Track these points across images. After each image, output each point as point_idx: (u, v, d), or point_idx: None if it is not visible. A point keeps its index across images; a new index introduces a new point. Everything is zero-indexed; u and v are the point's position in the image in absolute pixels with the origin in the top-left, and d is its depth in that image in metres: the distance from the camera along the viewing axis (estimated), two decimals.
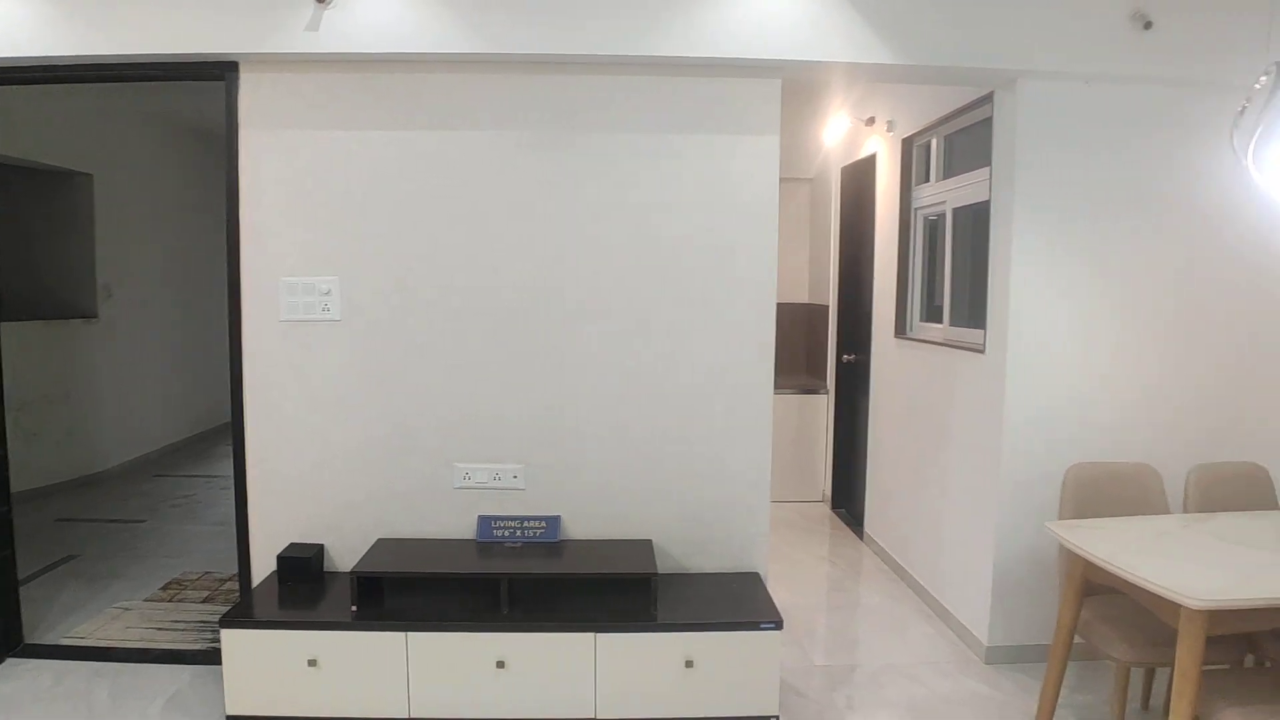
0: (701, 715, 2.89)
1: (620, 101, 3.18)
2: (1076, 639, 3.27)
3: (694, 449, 3.30)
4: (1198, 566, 2.30)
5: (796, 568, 4.67)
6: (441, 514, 3.31)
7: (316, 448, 3.28)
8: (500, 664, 2.85)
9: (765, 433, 3.30)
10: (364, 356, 3.25)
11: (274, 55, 3.05)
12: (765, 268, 3.24)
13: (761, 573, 3.33)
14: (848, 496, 5.64)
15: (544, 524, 3.30)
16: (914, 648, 3.66)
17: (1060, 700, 3.20)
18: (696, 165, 3.21)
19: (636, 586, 3.02)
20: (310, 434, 3.27)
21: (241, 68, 3.13)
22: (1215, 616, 2.14)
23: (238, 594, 3.43)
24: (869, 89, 5.12)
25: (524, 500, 3.32)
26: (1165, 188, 3.39)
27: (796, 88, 6.08)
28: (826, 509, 5.85)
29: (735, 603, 3.06)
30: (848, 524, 5.48)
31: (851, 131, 5.52)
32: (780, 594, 4.23)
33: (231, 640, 2.86)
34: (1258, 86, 2.35)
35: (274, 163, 3.18)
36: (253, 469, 3.28)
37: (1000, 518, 3.44)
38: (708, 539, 3.34)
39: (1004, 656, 3.51)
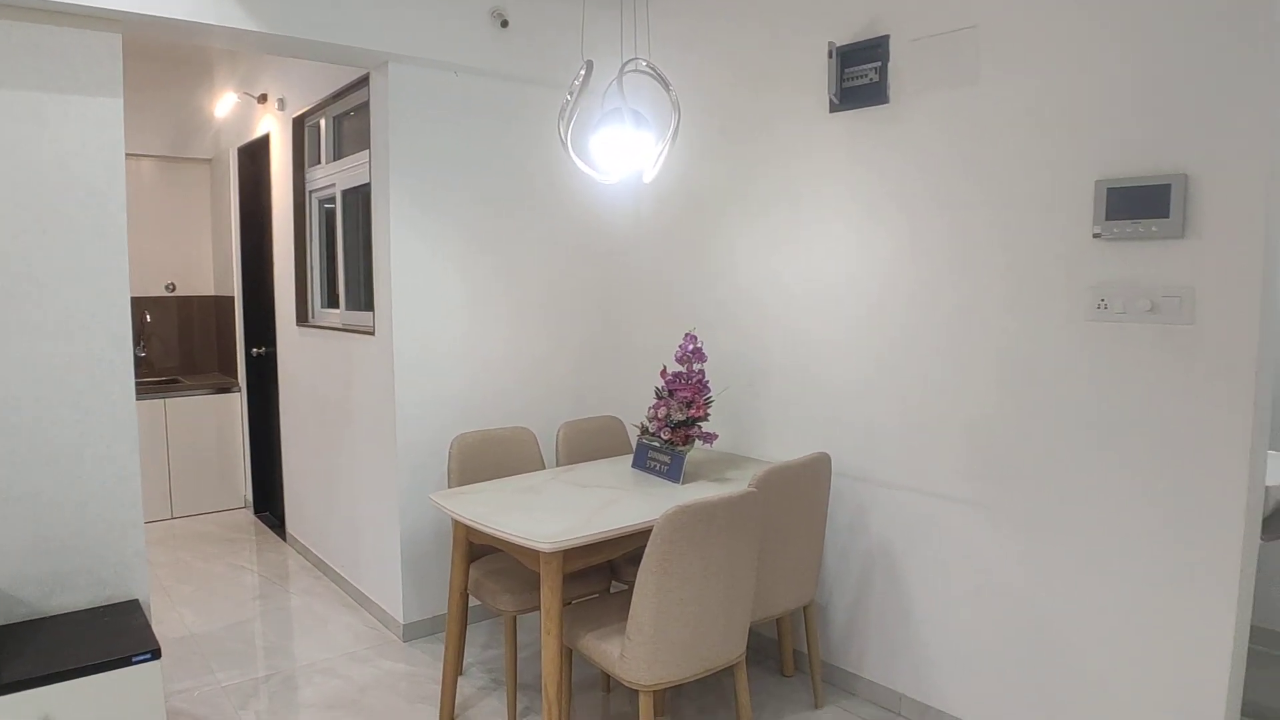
0: None
1: None
2: (474, 600, 3.47)
3: (41, 468, 2.73)
4: (553, 514, 2.56)
5: (212, 583, 4.24)
6: None
7: None
8: None
9: (130, 440, 2.87)
10: None
11: None
12: (114, 252, 2.80)
13: (142, 599, 2.91)
14: (269, 498, 5.31)
15: None
16: (334, 641, 3.56)
17: (473, 659, 3.39)
18: (16, 129, 2.64)
19: None
20: None
21: None
22: (567, 555, 2.40)
23: None
24: (257, 63, 4.80)
25: None
26: (527, 174, 3.73)
27: (182, 58, 5.49)
28: (249, 515, 5.44)
29: (106, 639, 2.62)
30: (272, 527, 5.16)
31: (244, 109, 5.13)
32: (188, 616, 3.80)
33: None
34: (577, 83, 2.66)
35: None
36: None
37: (401, 495, 3.50)
38: (72, 571, 2.81)
39: (421, 631, 3.59)
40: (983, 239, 2.62)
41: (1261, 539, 2.44)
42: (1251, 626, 3.45)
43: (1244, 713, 2.92)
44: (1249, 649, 3.35)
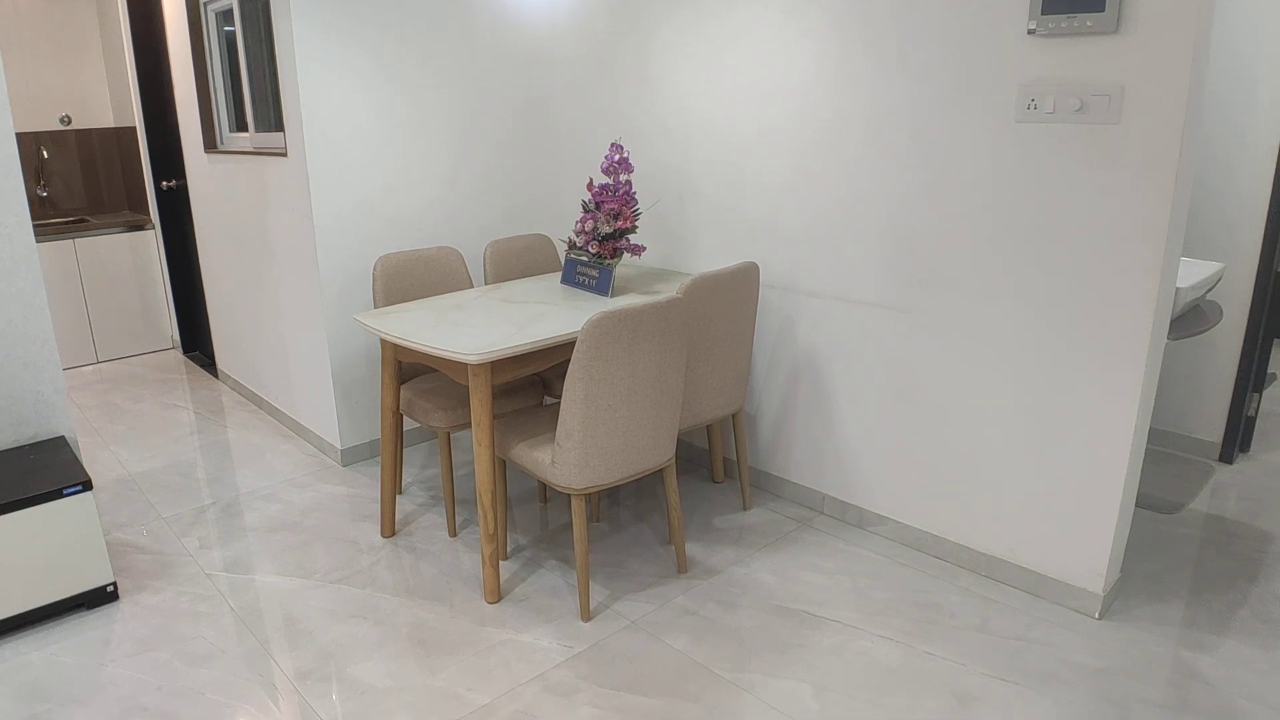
0: (25, 610, 2.48)
1: None
2: (411, 424, 3.49)
3: None
4: (481, 328, 2.54)
5: (145, 422, 4.19)
6: None
7: None
8: None
9: (33, 273, 2.73)
10: None
11: None
12: None
13: (68, 435, 2.86)
14: (197, 337, 5.20)
15: None
16: (273, 470, 3.58)
17: (412, 478, 3.45)
18: None
19: None
20: None
21: None
22: (496, 367, 2.40)
23: None
24: None
25: None
26: None
27: None
28: (179, 355, 5.33)
29: (33, 474, 2.58)
30: (203, 366, 5.07)
31: None
32: (122, 454, 3.78)
33: None
34: None
35: None
36: None
37: (328, 321, 3.44)
38: None
39: (359, 455, 3.63)
40: (914, 39, 2.54)
41: (1169, 338, 2.54)
42: (1151, 428, 3.67)
43: (1139, 504, 3.15)
44: (1147, 448, 3.57)
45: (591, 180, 2.90)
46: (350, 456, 3.60)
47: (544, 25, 3.75)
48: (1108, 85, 2.20)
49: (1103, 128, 2.23)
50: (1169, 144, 2.13)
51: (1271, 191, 3.25)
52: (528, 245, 3.41)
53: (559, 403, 2.76)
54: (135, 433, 4.05)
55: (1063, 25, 2.25)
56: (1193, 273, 2.88)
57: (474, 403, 2.39)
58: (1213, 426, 3.52)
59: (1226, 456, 3.50)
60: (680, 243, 3.35)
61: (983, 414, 2.61)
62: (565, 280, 3.06)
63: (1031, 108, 2.35)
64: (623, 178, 2.84)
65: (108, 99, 5.54)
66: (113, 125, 5.56)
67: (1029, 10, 2.30)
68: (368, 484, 3.42)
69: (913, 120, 2.59)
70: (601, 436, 2.35)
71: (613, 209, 2.78)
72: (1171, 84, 2.10)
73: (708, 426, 3.27)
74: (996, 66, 2.39)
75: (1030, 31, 2.30)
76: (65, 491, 2.52)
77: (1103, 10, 2.17)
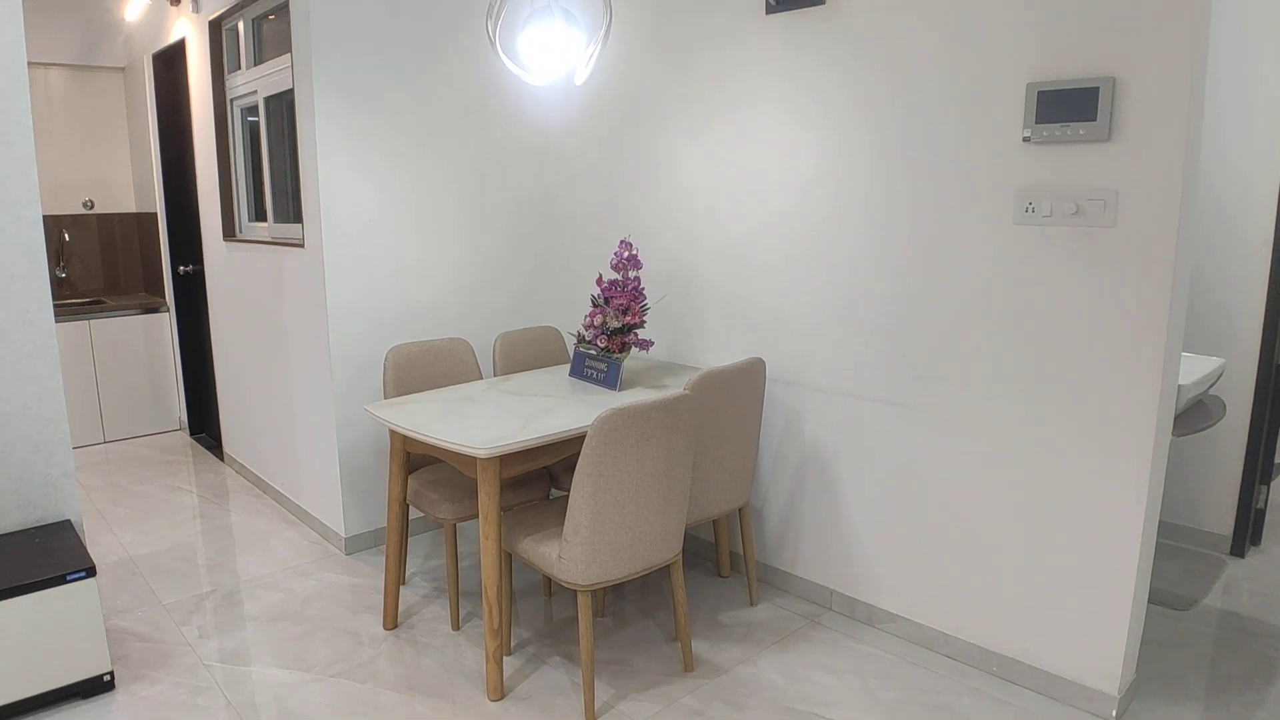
0: (20, 698, 2.44)
1: None
2: (416, 513, 3.48)
3: None
4: (490, 421, 2.56)
5: (148, 504, 4.18)
6: None
7: None
8: None
9: (50, 357, 2.77)
10: None
11: None
12: (21, 161, 2.64)
13: (74, 519, 2.87)
14: (205, 419, 5.22)
15: None
16: (276, 557, 3.56)
17: (415, 569, 3.43)
18: None
19: None
20: None
21: None
22: (504, 461, 2.42)
23: None
24: None
25: None
26: (456, 76, 3.60)
27: None
28: (185, 437, 5.35)
29: (38, 559, 2.58)
30: (209, 448, 5.08)
31: (156, 12, 4.84)
32: (126, 538, 3.76)
33: None
34: None
35: None
36: None
37: (337, 409, 3.47)
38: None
39: (363, 544, 3.61)
40: (915, 142, 2.63)
41: (1173, 434, 2.55)
42: (1160, 521, 3.64)
43: (1151, 600, 3.11)
44: (1157, 542, 3.53)
45: (601, 275, 2.96)
46: (354, 545, 3.58)
47: (555, 122, 3.88)
48: (1102, 190, 2.27)
49: (1099, 230, 2.29)
50: (1164, 245, 2.18)
51: (1269, 285, 3.30)
52: (537, 337, 3.46)
53: (566, 496, 2.76)
54: (139, 516, 4.04)
55: (1057, 134, 2.33)
56: (1194, 369, 2.91)
57: (482, 497, 2.40)
58: (1222, 519, 3.49)
59: (1238, 550, 3.47)
60: (688, 336, 3.40)
61: (990, 511, 2.60)
62: (574, 373, 3.10)
63: (1029, 210, 2.41)
64: (631, 274, 2.90)
65: (130, 185, 5.69)
66: (134, 210, 5.71)
67: (1024, 119, 2.39)
68: (371, 573, 3.40)
69: (913, 219, 2.66)
70: (609, 533, 2.35)
71: (621, 304, 2.83)
72: (1164, 188, 2.16)
73: (714, 520, 3.25)
74: (994, 170, 2.47)
75: (1025, 139, 2.38)
76: (69, 577, 2.50)
77: (1095, 120, 2.25)
